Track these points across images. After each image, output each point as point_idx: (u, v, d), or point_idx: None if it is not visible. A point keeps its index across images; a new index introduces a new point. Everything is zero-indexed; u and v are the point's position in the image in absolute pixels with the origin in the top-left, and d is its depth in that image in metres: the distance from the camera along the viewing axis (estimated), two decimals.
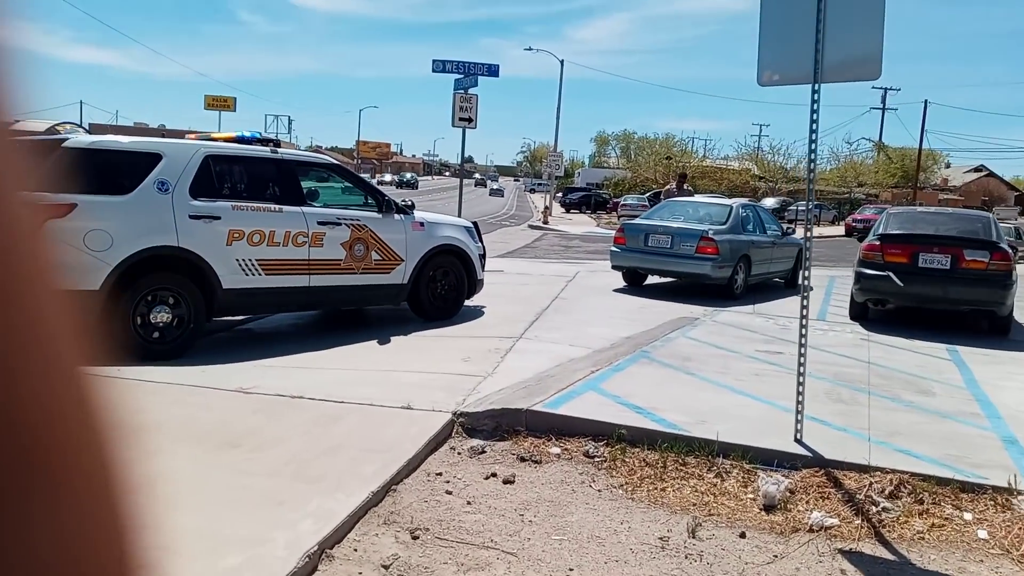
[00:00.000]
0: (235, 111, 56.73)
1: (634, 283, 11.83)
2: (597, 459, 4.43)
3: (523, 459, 4.44)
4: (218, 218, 6.58)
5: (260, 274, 6.87)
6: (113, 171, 6.30)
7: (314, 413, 4.80)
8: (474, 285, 8.80)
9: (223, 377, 5.67)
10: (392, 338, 7.38)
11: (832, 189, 56.18)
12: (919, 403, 5.70)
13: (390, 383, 5.63)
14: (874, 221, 35.64)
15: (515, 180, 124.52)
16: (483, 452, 4.54)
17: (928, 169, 65.41)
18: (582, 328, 8.10)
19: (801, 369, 4.49)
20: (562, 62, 40.00)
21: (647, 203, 41.96)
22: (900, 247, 9.15)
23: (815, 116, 4.39)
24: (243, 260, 6.74)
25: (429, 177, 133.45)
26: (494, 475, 4.25)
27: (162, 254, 6.31)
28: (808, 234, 4.77)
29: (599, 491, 4.08)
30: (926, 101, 53.84)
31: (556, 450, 4.53)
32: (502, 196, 79.88)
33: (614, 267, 11.66)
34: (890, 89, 71.85)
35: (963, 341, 8.59)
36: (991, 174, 73.47)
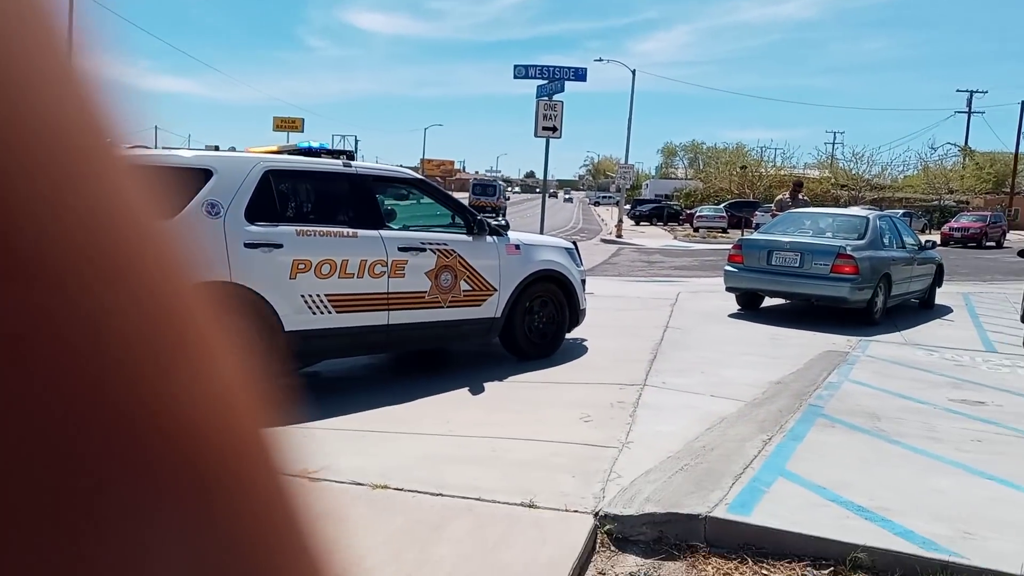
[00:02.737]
0: (303, 132, 56.97)
1: (750, 306, 10.29)
2: None
3: None
4: (280, 246, 5.37)
5: (330, 312, 5.63)
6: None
7: (405, 518, 3.48)
8: (576, 316, 7.43)
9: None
10: (486, 385, 6.05)
11: (920, 196, 53.18)
12: None
13: (498, 459, 4.28)
14: (973, 229, 33.46)
15: (566, 193, 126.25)
16: None
17: (1020, 174, 61.53)
18: (715, 369, 6.64)
19: None
20: (634, 72, 38.39)
21: (724, 213, 40.16)
22: None
23: None
24: (310, 296, 5.51)
25: None
26: None
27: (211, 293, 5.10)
28: None
29: None
30: (1023, 102, 50.39)
31: None
32: (572, 203, 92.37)
33: (729, 289, 10.14)
34: (976, 92, 68.17)
35: None
36: None
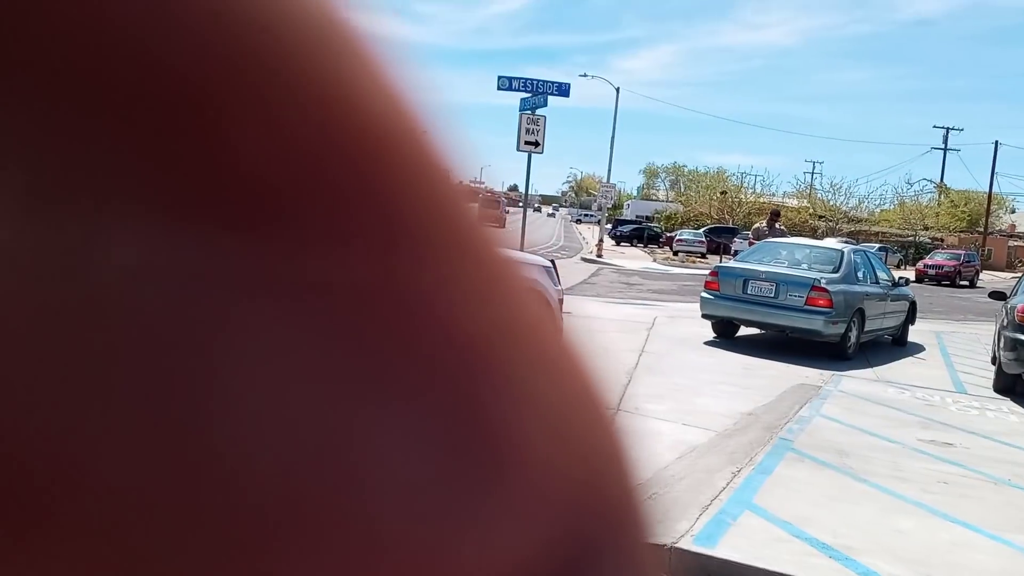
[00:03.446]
0: None
1: (725, 335, 10.34)
2: None
3: None
4: None
5: None
6: None
7: None
8: None
9: None
10: None
11: (896, 231, 53.96)
12: None
13: None
14: (947, 267, 33.88)
15: (554, 209, 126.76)
16: None
17: (993, 214, 62.67)
18: (688, 398, 6.66)
19: None
20: (618, 90, 38.87)
21: (703, 238, 40.50)
22: None
23: None
24: None
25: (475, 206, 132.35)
26: None
27: None
28: None
29: None
30: (997, 142, 51.45)
31: None
32: (555, 218, 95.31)
33: (705, 316, 10.18)
34: (952, 129, 69.52)
35: None
36: None
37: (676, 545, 3.37)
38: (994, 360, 8.97)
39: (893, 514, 4.08)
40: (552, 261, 8.23)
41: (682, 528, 3.55)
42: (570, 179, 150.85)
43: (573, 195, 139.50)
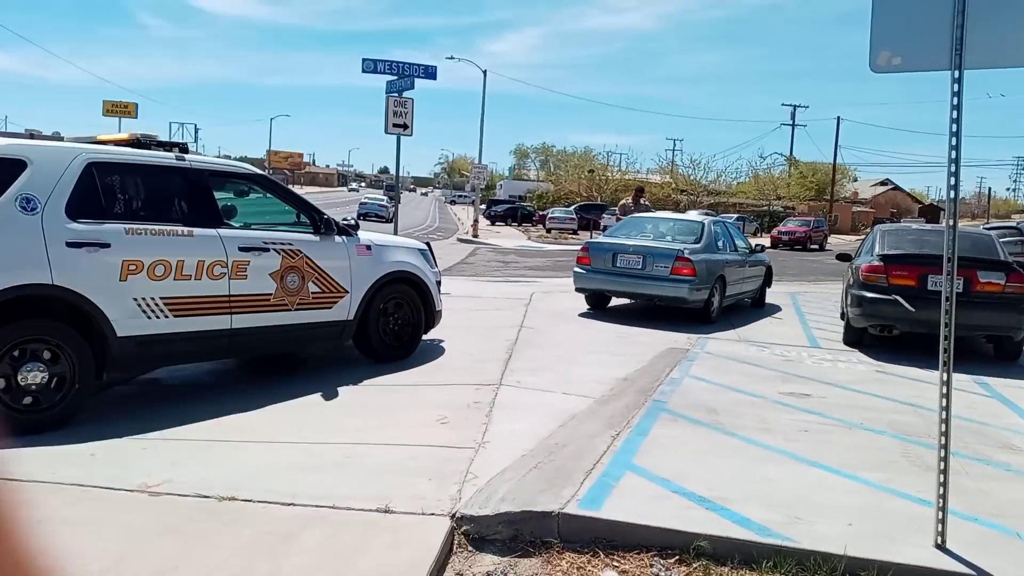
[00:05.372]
0: (137, 118, 52.63)
1: (598, 306, 10.65)
2: None
3: None
4: (107, 245, 4.96)
5: (167, 316, 5.28)
6: None
7: (254, 530, 3.31)
8: (432, 317, 7.38)
9: (120, 463, 4.11)
10: (340, 390, 5.89)
11: (752, 202, 56.95)
12: (1018, 465, 4.63)
13: (352, 465, 4.18)
14: (799, 233, 36.22)
15: (440, 189, 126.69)
16: None
17: (837, 183, 67.17)
18: (567, 368, 6.80)
19: (943, 453, 3.26)
20: (485, 72, 38.75)
21: (574, 215, 41.39)
22: (907, 268, 8.21)
23: (956, 113, 3.21)
24: (143, 299, 5.14)
25: (343, 188, 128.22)
26: None
27: (31, 295, 4.67)
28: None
29: None
30: (839, 118, 55.15)
31: (611, 575, 3.18)
32: (428, 198, 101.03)
33: (578, 290, 10.42)
34: (799, 106, 73.74)
35: (981, 370, 7.70)
36: (896, 188, 76.41)
37: (563, 511, 3.44)
38: (843, 316, 9.66)
39: (762, 463, 4.33)
40: (428, 243, 8.17)
41: (567, 494, 3.63)
42: (442, 160, 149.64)
43: (446, 176, 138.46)
